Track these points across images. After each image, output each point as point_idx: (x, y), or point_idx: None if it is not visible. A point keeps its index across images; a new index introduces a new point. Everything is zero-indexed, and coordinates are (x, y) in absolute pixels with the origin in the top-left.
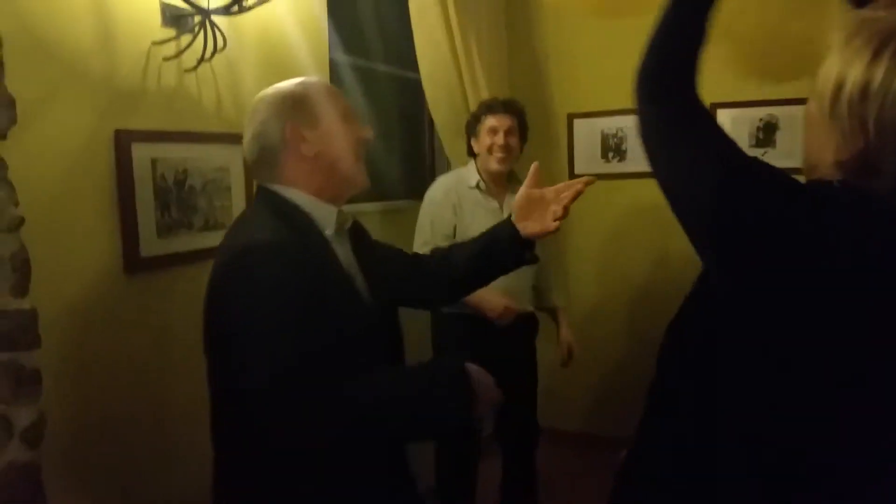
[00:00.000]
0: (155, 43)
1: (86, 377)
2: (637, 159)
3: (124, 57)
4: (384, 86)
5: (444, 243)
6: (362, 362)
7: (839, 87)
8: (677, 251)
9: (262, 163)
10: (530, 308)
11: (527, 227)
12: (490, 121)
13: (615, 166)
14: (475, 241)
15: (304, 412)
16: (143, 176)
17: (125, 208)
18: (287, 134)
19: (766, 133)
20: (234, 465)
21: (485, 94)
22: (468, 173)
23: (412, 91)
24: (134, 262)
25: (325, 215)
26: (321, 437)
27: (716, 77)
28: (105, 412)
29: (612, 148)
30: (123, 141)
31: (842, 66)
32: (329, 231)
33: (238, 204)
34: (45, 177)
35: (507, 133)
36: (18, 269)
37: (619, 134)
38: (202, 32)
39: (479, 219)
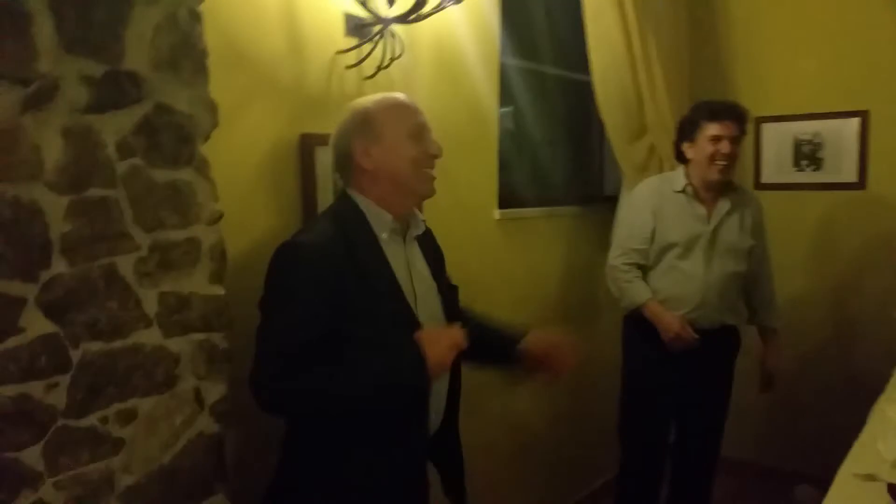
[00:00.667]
0: (338, 52)
1: None
2: (835, 168)
3: (311, 65)
4: (553, 89)
5: (641, 246)
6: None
7: None
8: (878, 273)
9: (338, 169)
10: (730, 322)
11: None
12: (713, 128)
13: (809, 176)
14: (491, 332)
15: (282, 397)
16: (324, 178)
17: (307, 206)
18: (354, 147)
19: None
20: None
21: (662, 96)
22: (675, 176)
23: (582, 94)
24: None
25: (382, 220)
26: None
27: None
28: None
29: (806, 156)
30: (308, 144)
31: None
32: (384, 234)
33: None
34: (239, 176)
35: (732, 141)
36: (216, 259)
37: (816, 140)
38: (381, 41)
39: (681, 224)
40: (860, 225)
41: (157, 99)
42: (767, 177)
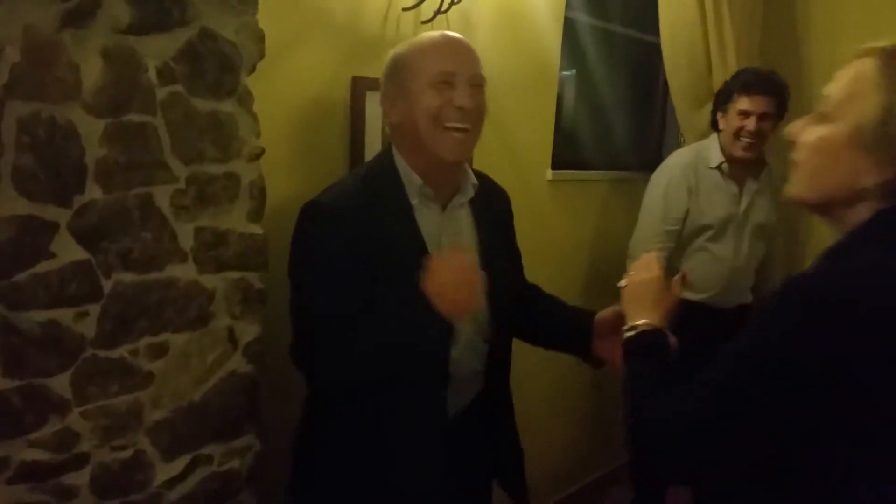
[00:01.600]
0: None
1: None
2: None
3: (367, 5)
4: (620, 48)
5: (673, 227)
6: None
7: (891, 113)
8: None
9: (384, 122)
10: (747, 301)
11: (599, 348)
12: (743, 102)
13: None
14: (561, 317)
15: (318, 357)
16: (373, 123)
17: (355, 152)
18: (384, 97)
19: None
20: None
21: (732, 62)
22: (710, 151)
23: (649, 55)
24: None
25: (412, 184)
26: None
27: None
28: None
29: None
30: (359, 88)
31: (886, 94)
32: (415, 200)
33: None
34: (285, 114)
35: (761, 118)
36: (255, 197)
37: None
38: None
39: (716, 204)
40: None
41: (202, 23)
42: None
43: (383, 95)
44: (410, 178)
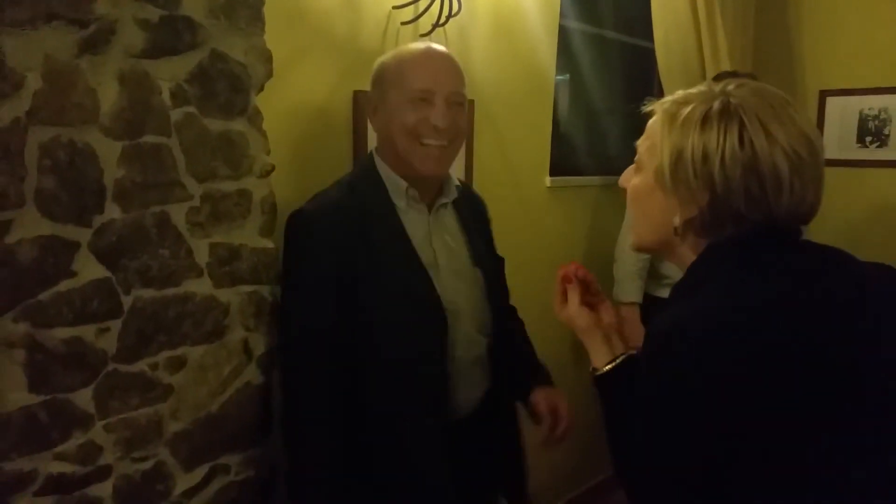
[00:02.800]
0: (395, 7)
1: None
2: None
3: (366, 20)
4: (613, 54)
5: None
6: (407, 325)
7: (678, 156)
8: None
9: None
10: None
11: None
12: None
13: (873, 153)
14: (514, 362)
15: (291, 373)
16: (376, 136)
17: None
18: (368, 103)
19: None
20: None
21: (725, 64)
22: None
23: (642, 61)
24: None
25: (397, 187)
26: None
27: None
28: None
29: (871, 131)
30: (361, 102)
31: (676, 139)
32: (401, 203)
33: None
34: (291, 130)
35: None
36: (267, 212)
37: (882, 115)
38: None
39: None
40: None
41: (212, 46)
42: (829, 153)
43: (368, 100)
44: (395, 182)
